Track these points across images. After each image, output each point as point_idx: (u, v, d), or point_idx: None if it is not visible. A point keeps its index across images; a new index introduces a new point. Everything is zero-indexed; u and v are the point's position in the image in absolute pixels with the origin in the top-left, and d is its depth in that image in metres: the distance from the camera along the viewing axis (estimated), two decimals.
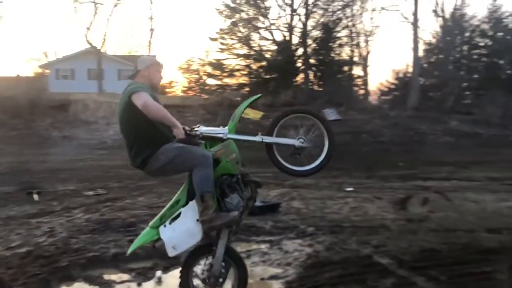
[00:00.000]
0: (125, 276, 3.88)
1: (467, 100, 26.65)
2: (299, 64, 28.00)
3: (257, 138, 3.19)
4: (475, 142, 16.97)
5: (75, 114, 18.04)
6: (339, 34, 28.84)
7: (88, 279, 3.78)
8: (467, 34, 28.64)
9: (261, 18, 27.86)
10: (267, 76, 27.40)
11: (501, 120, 20.57)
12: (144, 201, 6.70)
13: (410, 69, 27.39)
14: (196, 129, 3.09)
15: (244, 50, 28.38)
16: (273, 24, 27.96)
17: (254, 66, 28.47)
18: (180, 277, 3.08)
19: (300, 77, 28.17)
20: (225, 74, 28.51)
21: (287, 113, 3.32)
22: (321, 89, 27.35)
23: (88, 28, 28.27)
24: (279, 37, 28.19)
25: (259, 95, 3.58)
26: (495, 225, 5.43)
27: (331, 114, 19.73)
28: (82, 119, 17.87)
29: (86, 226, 5.28)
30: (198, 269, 3.11)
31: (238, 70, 28.61)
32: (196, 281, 3.10)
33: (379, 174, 9.91)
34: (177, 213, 3.00)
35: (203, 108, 21.03)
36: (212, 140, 3.12)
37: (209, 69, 29.50)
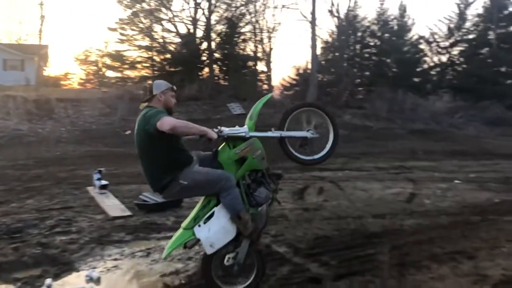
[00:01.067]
0: (10, 287, 3.54)
1: (359, 96, 28.85)
2: (204, 58, 27.86)
3: (276, 134, 3.49)
4: (365, 135, 18.41)
5: None
6: (243, 30, 29.30)
7: None
8: (359, 34, 30.97)
9: (163, 9, 27.13)
10: (172, 69, 26.82)
11: (387, 114, 22.68)
12: (34, 204, 6.14)
13: (310, 66, 28.82)
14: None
15: (146, 42, 27.44)
16: (176, 16, 27.44)
17: (157, 59, 27.68)
18: (202, 263, 3.23)
19: (205, 71, 28.06)
20: (126, 66, 27.30)
21: (294, 108, 3.64)
22: (226, 83, 27.57)
23: None
24: (183, 29, 27.76)
25: (270, 94, 3.86)
26: (380, 211, 6.00)
27: (236, 108, 20.04)
28: None
29: None
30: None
31: (140, 62, 27.58)
32: (216, 267, 3.22)
33: (281, 166, 10.22)
34: (210, 212, 3.16)
35: (101, 102, 19.88)
36: (234, 140, 3.28)
37: (108, 61, 28.02)
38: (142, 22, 27.02)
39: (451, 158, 12.62)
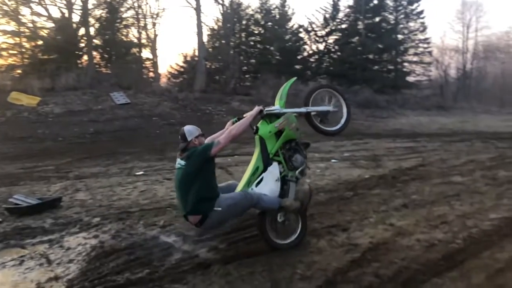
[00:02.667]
0: None
1: (246, 83, 29.64)
2: (82, 45, 25.88)
3: (303, 110, 4.24)
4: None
5: None
6: (124, 15, 27.90)
7: None
8: (244, 22, 31.63)
9: None
10: (45, 57, 24.45)
11: (272, 100, 23.55)
12: None
13: (197, 53, 28.60)
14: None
15: (13, 27, 24.52)
16: None
17: (27, 45, 24.97)
18: (258, 222, 3.91)
19: (84, 59, 26.11)
20: None
21: (314, 89, 4.47)
22: (108, 71, 26.08)
23: None
24: (56, 13, 25.38)
25: (295, 78, 4.74)
26: None
27: (119, 97, 19.07)
28: None
29: None
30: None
31: (6, 49, 24.59)
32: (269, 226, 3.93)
33: (169, 156, 10.10)
34: (259, 178, 3.86)
35: None
36: (270, 117, 4.02)
37: None
38: (5, 4, 24.02)
39: (329, 139, 13.65)
